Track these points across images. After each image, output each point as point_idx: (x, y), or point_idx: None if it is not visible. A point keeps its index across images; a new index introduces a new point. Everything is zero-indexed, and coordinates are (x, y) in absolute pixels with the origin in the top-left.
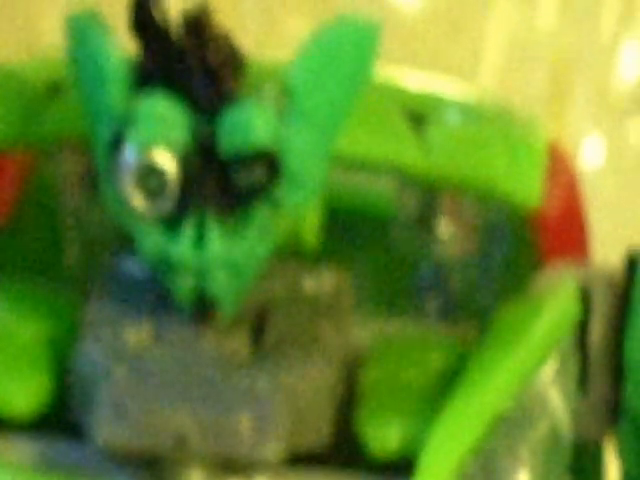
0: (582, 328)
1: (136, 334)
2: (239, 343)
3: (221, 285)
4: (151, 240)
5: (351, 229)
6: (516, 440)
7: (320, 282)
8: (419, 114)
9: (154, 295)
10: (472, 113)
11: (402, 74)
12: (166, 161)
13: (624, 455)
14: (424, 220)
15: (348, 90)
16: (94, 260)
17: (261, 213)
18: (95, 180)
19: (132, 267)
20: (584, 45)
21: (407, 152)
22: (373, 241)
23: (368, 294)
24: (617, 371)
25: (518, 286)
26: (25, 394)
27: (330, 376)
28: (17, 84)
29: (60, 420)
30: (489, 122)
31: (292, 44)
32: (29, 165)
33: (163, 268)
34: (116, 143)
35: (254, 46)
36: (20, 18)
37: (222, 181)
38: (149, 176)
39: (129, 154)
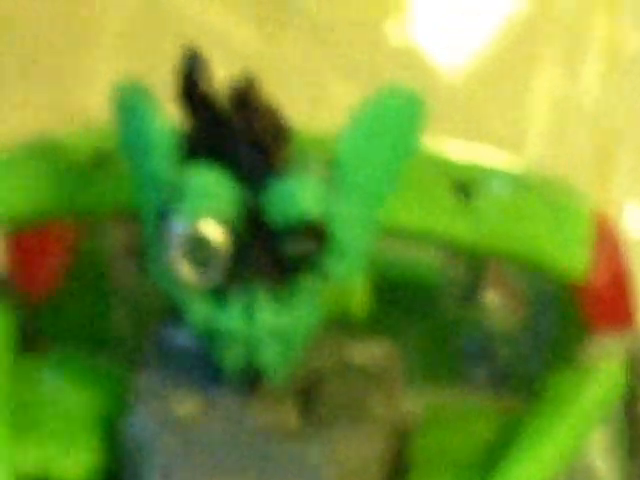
0: (630, 397)
1: (185, 405)
2: (288, 414)
3: (270, 355)
4: (200, 311)
5: (399, 299)
6: None
7: (369, 352)
8: (466, 185)
9: (203, 366)
10: (518, 183)
11: (447, 145)
12: (214, 232)
13: None
14: (471, 290)
15: (395, 161)
16: (142, 330)
17: (309, 283)
18: (143, 250)
19: (180, 337)
20: (629, 111)
21: (454, 223)
22: (421, 311)
23: (416, 364)
24: None
25: (566, 356)
26: (76, 464)
27: (380, 447)
28: (64, 154)
29: None
30: (535, 192)
31: (338, 112)
32: (77, 235)
33: (212, 339)
34: (164, 214)
35: (300, 115)
36: (68, 87)
37: (270, 252)
38: (197, 247)
39: (177, 226)
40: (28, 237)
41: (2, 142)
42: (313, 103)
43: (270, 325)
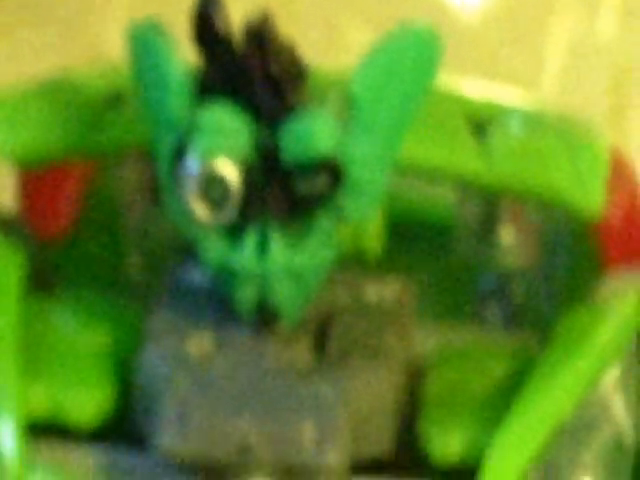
0: None
1: (199, 343)
2: (302, 352)
3: (284, 294)
4: (214, 249)
5: (413, 237)
6: (579, 448)
7: (382, 290)
8: (481, 122)
9: (216, 304)
10: (534, 121)
11: (463, 82)
12: (229, 170)
13: None
14: (486, 228)
15: (410, 99)
16: (156, 270)
17: (323, 222)
18: (157, 190)
19: (194, 276)
20: None
21: (469, 160)
22: (435, 249)
23: (430, 302)
24: None
25: (581, 294)
26: (89, 404)
27: (393, 384)
28: (78, 93)
29: (123, 429)
30: (551, 130)
31: (353, 52)
32: (90, 175)
33: (226, 277)
34: (179, 153)
35: (315, 55)
36: (81, 27)
37: (284, 190)
38: (212, 185)
39: (192, 164)
40: (41, 176)
41: (16, 81)
42: (328, 44)
43: (284, 263)
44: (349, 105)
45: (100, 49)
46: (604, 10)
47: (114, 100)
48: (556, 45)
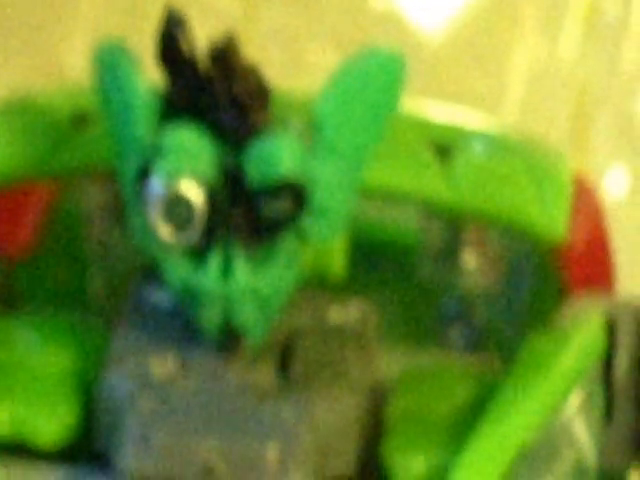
0: (607, 359)
1: (162, 364)
2: (265, 374)
3: (248, 315)
4: (178, 271)
5: (376, 260)
6: (541, 472)
7: (346, 313)
8: (444, 146)
9: (180, 325)
10: (497, 145)
11: (427, 106)
12: (193, 192)
13: None
14: (449, 251)
15: (375, 122)
16: (119, 290)
17: (287, 244)
18: (121, 210)
19: (158, 297)
20: (607, 76)
21: (433, 184)
22: (398, 272)
23: (393, 325)
24: None
25: (544, 318)
26: (51, 423)
27: (356, 407)
28: (42, 114)
29: (86, 449)
30: (514, 154)
31: (317, 74)
32: (54, 195)
33: (189, 298)
34: (143, 174)
35: (279, 77)
36: (44, 46)
37: (249, 212)
38: (176, 207)
39: (156, 185)
40: (4, 196)
41: None
42: (293, 67)
43: (247, 285)
44: (313, 128)
45: (65, 69)
46: (565, 35)
47: (79, 120)
48: (518, 69)
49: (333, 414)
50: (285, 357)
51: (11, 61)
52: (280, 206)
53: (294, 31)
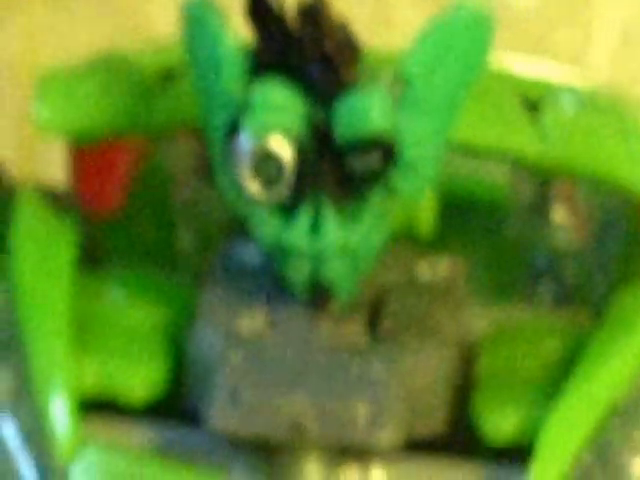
0: None
1: (250, 320)
2: (355, 330)
3: (337, 272)
4: (267, 227)
5: (465, 216)
6: (632, 429)
7: (435, 269)
8: (533, 101)
9: (268, 281)
10: (586, 100)
11: (515, 61)
12: (282, 148)
13: None
14: (538, 208)
15: (463, 78)
16: (207, 246)
17: (376, 200)
18: (209, 167)
19: (246, 253)
20: None
21: (522, 139)
22: (487, 228)
23: (482, 281)
24: None
25: (633, 273)
26: (140, 380)
27: (446, 363)
28: (131, 71)
29: (175, 405)
30: (603, 110)
31: (405, 33)
32: (142, 152)
33: (279, 254)
34: (232, 130)
35: (367, 35)
36: (132, 3)
37: (338, 168)
38: (265, 163)
39: (245, 141)
40: (92, 153)
41: (70, 58)
42: (381, 24)
43: (336, 241)
44: (402, 83)
45: (154, 26)
46: None
47: (167, 77)
48: (607, 24)
49: (422, 371)
50: (374, 313)
51: (100, 19)
52: (369, 161)
53: None
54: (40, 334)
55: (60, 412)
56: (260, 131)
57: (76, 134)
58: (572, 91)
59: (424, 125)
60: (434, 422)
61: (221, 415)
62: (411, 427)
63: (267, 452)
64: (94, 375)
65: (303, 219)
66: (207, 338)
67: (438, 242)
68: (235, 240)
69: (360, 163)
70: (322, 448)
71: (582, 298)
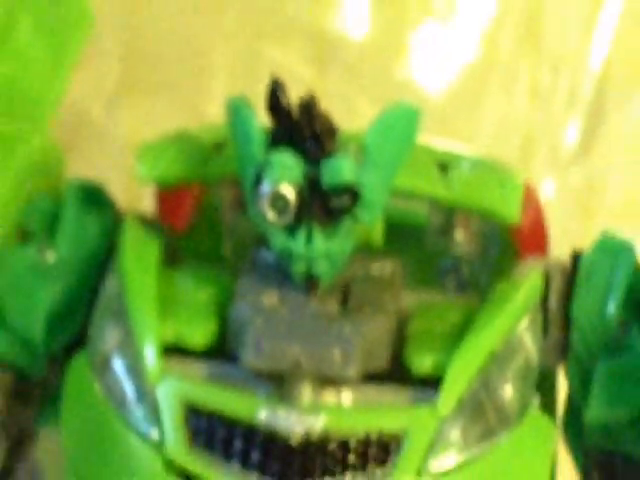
0: (544, 297)
1: (269, 298)
2: (332, 305)
3: (322, 268)
4: (278, 240)
5: (400, 234)
6: (504, 367)
7: (382, 267)
8: (444, 164)
9: (280, 274)
10: (477, 164)
11: (433, 141)
12: (289, 191)
13: (570, 379)
14: (446, 229)
15: (401, 149)
16: (243, 253)
17: (347, 224)
18: (243, 203)
19: (267, 257)
20: (545, 123)
21: (436, 187)
22: (414, 242)
23: (411, 276)
24: (566, 324)
25: (506, 272)
26: (201, 332)
27: (389, 327)
28: (194, 141)
29: (223, 351)
30: (488, 169)
31: (365, 120)
32: (203, 192)
33: (286, 258)
34: (257, 181)
35: (341, 122)
36: (189, 99)
37: (323, 204)
38: (278, 201)
39: (265, 187)
40: (171, 193)
41: (158, 136)
42: (348, 115)
43: (322, 249)
44: (364, 151)
45: (208, 117)
46: (519, 94)
47: (218, 146)
48: (487, 119)
49: (375, 331)
50: (344, 295)
51: (173, 113)
52: (343, 201)
53: (350, 95)
54: (137, 305)
55: (150, 354)
56: (275, 181)
57: (161, 182)
58: (469, 158)
59: (377, 178)
60: (381, 362)
61: (250, 357)
62: (367, 365)
63: (278, 380)
64: (171, 330)
65: (301, 235)
66: (242, 308)
67: (384, 250)
68: (260, 248)
69: (337, 202)
70: (312, 378)
71: (474, 288)
